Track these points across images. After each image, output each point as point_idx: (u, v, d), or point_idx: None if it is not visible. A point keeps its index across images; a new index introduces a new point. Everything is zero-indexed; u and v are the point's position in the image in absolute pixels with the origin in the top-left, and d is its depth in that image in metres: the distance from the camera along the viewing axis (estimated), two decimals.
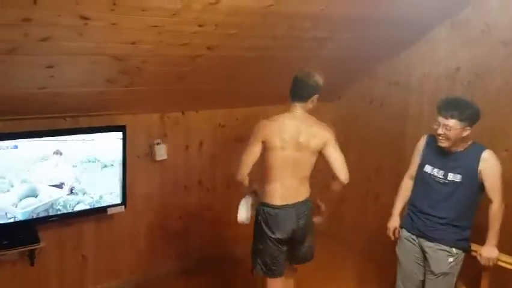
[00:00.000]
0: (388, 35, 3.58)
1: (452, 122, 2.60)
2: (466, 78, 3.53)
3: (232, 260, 4.29)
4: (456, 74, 3.60)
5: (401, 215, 3.05)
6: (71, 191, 3.29)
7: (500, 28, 3.31)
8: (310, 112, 2.90)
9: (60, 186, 3.25)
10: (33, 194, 3.15)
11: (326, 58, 3.53)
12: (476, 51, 3.46)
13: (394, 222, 3.04)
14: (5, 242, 3.01)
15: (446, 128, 2.62)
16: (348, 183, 2.80)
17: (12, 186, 3.04)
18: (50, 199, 3.21)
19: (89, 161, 3.30)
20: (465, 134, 2.64)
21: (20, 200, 3.10)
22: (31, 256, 3.24)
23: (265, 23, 2.77)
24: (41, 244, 3.14)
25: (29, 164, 3.06)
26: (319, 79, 2.80)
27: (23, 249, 3.12)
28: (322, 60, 3.52)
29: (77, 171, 3.27)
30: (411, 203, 2.96)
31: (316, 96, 2.83)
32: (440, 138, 2.68)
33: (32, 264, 3.27)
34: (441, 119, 2.64)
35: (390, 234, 3.04)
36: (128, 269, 3.84)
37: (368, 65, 4.20)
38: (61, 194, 3.25)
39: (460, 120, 2.59)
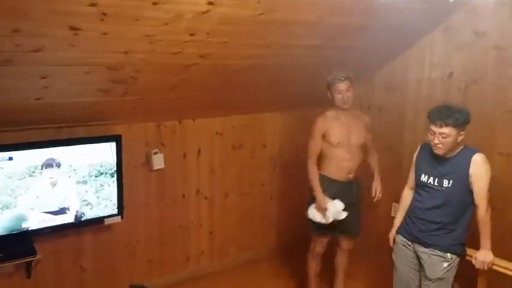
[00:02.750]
0: (383, 42, 3.59)
1: (447, 130, 2.60)
2: (461, 83, 3.53)
3: (233, 270, 4.29)
4: (449, 79, 3.60)
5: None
6: (79, 219, 3.20)
7: (492, 33, 3.32)
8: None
9: (62, 211, 3.14)
10: (20, 228, 2.97)
11: (320, 65, 3.52)
12: (470, 56, 3.46)
13: (394, 232, 3.03)
14: (1, 255, 2.98)
15: (442, 136, 2.62)
16: None
17: None
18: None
19: (91, 175, 3.21)
20: (460, 139, 2.64)
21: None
22: (28, 268, 3.23)
23: (257, 31, 2.79)
24: (38, 256, 3.12)
25: (18, 181, 2.86)
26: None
27: (19, 262, 3.09)
28: (317, 67, 3.53)
29: (81, 189, 3.17)
30: (409, 210, 2.95)
31: (328, 92, 3.29)
32: (436, 147, 2.67)
33: (29, 276, 3.26)
34: (435, 128, 2.63)
35: (391, 244, 3.04)
36: (128, 279, 3.81)
37: (364, 71, 4.19)
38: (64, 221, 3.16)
39: (455, 126, 2.59)
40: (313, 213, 3.33)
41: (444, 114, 2.61)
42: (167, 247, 3.99)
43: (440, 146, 2.65)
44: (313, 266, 3.64)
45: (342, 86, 3.21)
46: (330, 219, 3.28)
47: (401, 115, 4.06)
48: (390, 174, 4.05)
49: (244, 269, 4.31)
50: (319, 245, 3.54)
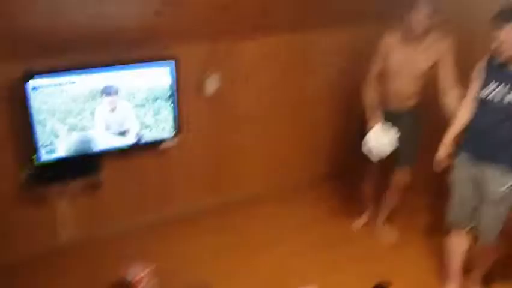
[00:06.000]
0: None
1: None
2: None
3: (284, 193, 4.35)
4: None
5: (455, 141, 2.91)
6: (139, 141, 3.30)
7: None
8: None
9: (124, 133, 3.24)
10: (85, 149, 3.10)
11: None
12: None
13: (443, 152, 2.90)
14: (67, 174, 3.15)
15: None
16: None
17: (57, 136, 2.93)
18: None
19: (148, 99, 3.24)
20: None
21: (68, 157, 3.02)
22: (92, 188, 3.40)
23: None
24: (101, 176, 3.30)
25: (80, 105, 2.94)
26: None
27: (84, 182, 3.29)
28: None
29: (140, 112, 3.23)
30: (470, 126, 2.80)
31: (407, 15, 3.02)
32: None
33: (93, 195, 3.43)
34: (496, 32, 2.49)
35: (438, 168, 2.92)
36: (183, 197, 3.95)
37: None
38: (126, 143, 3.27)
39: None
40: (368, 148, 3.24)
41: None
42: (220, 171, 4.05)
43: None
44: (365, 189, 3.73)
45: (421, 12, 2.93)
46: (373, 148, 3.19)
47: None
48: None
49: (294, 193, 4.36)
50: (368, 172, 3.60)
